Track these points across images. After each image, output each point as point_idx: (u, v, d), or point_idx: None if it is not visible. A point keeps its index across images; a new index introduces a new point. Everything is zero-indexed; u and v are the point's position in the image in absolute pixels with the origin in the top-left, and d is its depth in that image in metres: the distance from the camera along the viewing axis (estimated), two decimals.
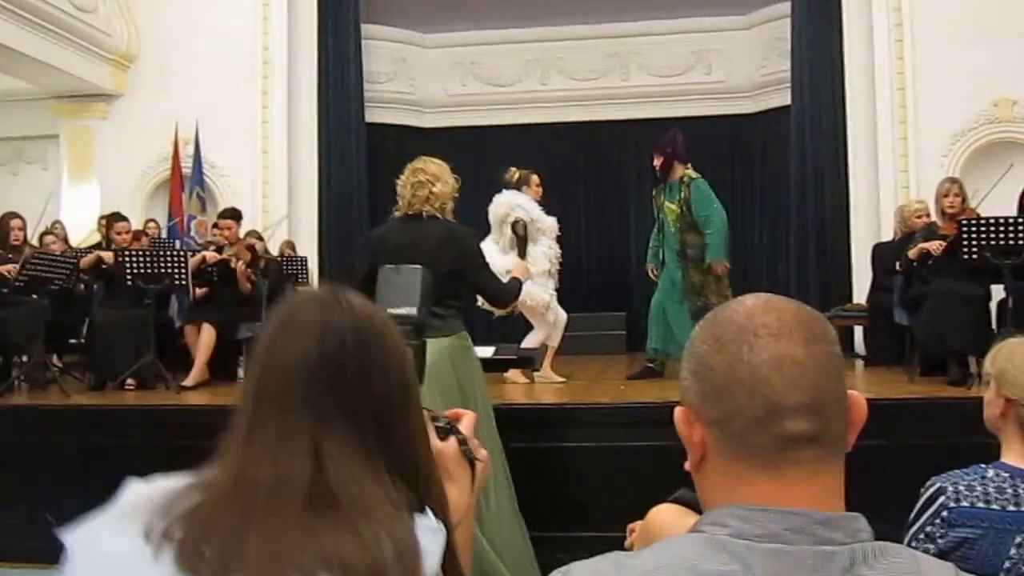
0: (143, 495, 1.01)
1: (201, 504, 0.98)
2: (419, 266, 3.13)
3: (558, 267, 6.59)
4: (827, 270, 9.00)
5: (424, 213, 3.79)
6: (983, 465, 1.98)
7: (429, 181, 3.78)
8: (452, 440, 1.28)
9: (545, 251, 6.42)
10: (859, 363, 7.63)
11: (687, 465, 0.96)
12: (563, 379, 6.38)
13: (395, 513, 1.00)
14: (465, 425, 1.32)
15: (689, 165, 6.54)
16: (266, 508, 0.97)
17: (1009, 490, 1.91)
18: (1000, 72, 8.02)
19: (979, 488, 1.92)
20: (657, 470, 4.16)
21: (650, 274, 6.74)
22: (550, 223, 6.53)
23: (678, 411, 0.94)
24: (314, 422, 1.02)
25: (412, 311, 2.85)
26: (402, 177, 3.87)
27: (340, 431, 1.03)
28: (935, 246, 5.65)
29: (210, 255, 6.68)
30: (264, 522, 0.96)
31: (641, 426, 4.63)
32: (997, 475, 1.93)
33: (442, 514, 1.09)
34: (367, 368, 1.07)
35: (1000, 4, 8.06)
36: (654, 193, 6.77)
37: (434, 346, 3.68)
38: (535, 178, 6.62)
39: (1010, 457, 1.98)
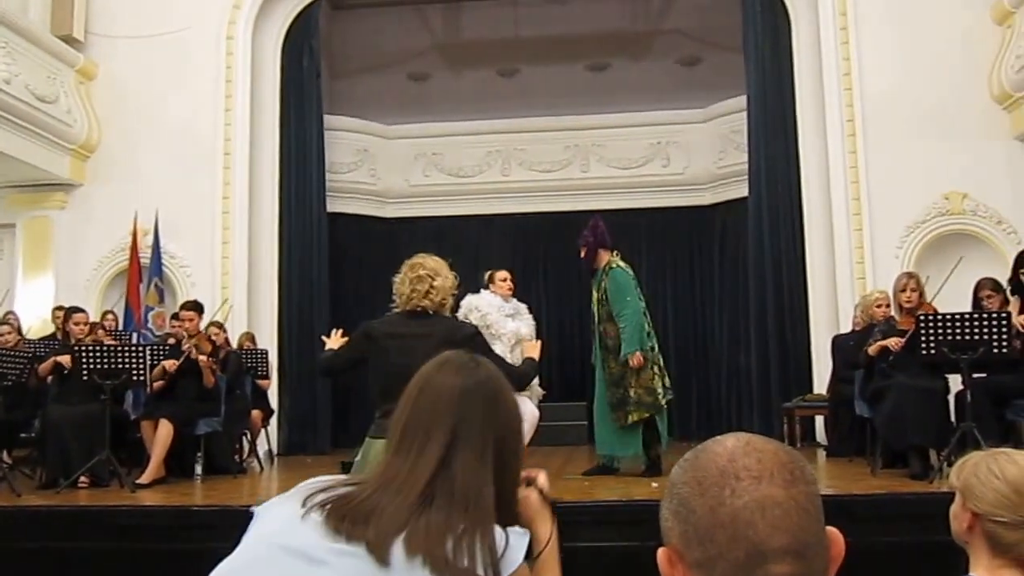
0: (310, 482, 1.40)
1: (353, 490, 1.37)
2: None
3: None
4: (787, 360, 9.06)
5: (425, 309, 3.73)
6: None
7: (429, 276, 3.74)
8: (533, 490, 1.57)
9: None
10: (821, 453, 7.64)
11: None
12: None
13: (487, 516, 1.35)
14: (542, 481, 1.60)
15: (616, 252, 6.44)
16: (389, 502, 1.34)
17: None
18: (951, 166, 8.29)
19: None
20: (626, 572, 4.12)
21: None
22: (511, 329, 6.24)
23: (661, 552, 0.95)
24: (449, 439, 1.40)
25: None
26: (399, 275, 3.82)
27: (468, 449, 1.39)
28: (894, 343, 5.73)
29: (170, 364, 6.53)
30: (390, 504, 1.33)
31: (608, 525, 4.58)
32: None
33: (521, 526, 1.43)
34: (496, 406, 1.46)
35: (949, 101, 8.38)
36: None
37: None
38: (499, 275, 6.50)
39: (978, 571, 1.97)
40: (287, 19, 9.95)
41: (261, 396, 8.22)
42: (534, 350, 4.25)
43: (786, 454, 0.94)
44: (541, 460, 7.05)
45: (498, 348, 6.10)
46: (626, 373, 6.13)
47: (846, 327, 7.81)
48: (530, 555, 1.44)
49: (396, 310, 3.87)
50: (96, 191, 9.27)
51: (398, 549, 1.28)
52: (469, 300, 6.30)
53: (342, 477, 1.45)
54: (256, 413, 7.92)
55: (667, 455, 6.37)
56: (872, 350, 5.90)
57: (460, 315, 6.23)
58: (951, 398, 5.76)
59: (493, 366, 1.53)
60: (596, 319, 6.34)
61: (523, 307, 6.56)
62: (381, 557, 1.27)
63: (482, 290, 6.49)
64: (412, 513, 1.32)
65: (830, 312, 8.56)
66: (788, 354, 9.04)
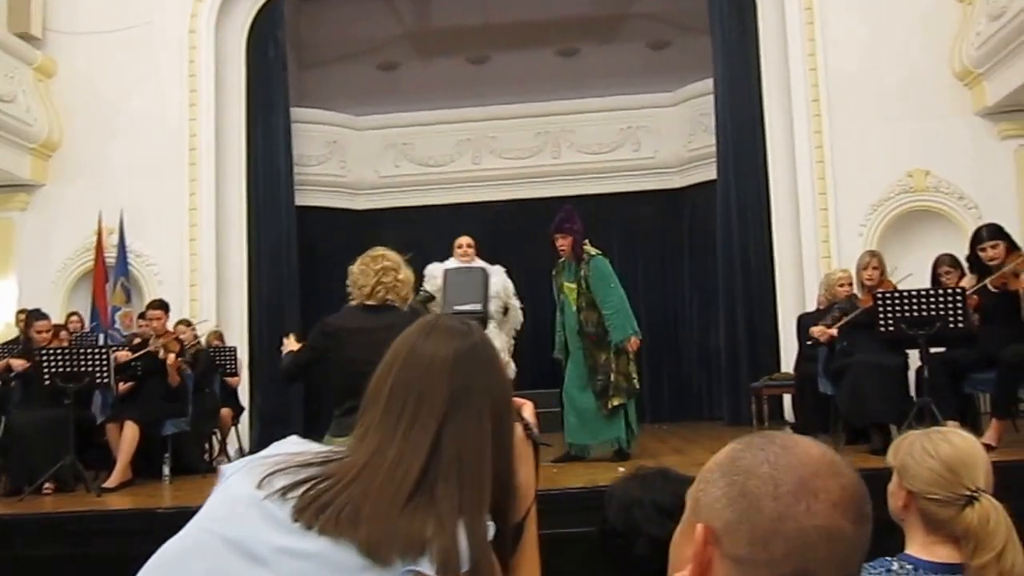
0: (277, 453, 1.25)
1: (329, 474, 1.19)
2: (481, 267, 3.09)
3: None
4: (755, 339, 9.12)
5: (389, 302, 3.70)
6: (888, 558, 1.98)
7: (393, 268, 3.72)
8: (518, 425, 1.39)
9: None
10: (788, 432, 7.66)
11: None
12: None
13: (478, 510, 1.20)
14: (527, 413, 1.44)
15: (587, 241, 6.47)
16: (382, 487, 1.17)
17: None
18: (914, 143, 8.34)
19: None
20: (587, 558, 4.10)
21: (557, 355, 6.58)
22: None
23: (701, 528, 0.90)
24: (443, 411, 1.24)
25: (478, 307, 2.86)
26: (358, 266, 3.77)
27: (466, 423, 1.24)
28: (819, 332, 5.98)
29: (123, 354, 6.47)
30: (378, 498, 1.16)
31: (572, 512, 4.57)
32: (902, 567, 1.94)
33: (516, 499, 1.32)
34: (492, 373, 1.31)
35: (913, 79, 8.42)
36: (553, 274, 6.60)
37: None
38: (457, 241, 6.61)
39: (914, 548, 1.99)
40: (251, 11, 9.85)
41: (230, 394, 8.16)
42: None
43: (863, 487, 0.91)
44: None
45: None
46: (610, 359, 6.18)
47: (812, 306, 7.85)
48: (519, 538, 1.34)
49: (353, 303, 3.82)
50: (59, 191, 9.14)
51: (399, 547, 1.12)
52: (429, 269, 6.38)
53: (309, 451, 1.26)
54: (225, 411, 7.87)
55: (637, 439, 6.42)
56: (816, 331, 6.03)
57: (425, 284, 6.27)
58: (912, 374, 5.82)
59: (482, 329, 1.40)
60: (574, 308, 6.32)
61: (489, 268, 6.53)
62: (380, 557, 1.11)
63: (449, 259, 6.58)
64: (411, 503, 1.17)
65: (797, 291, 8.61)
66: (756, 334, 9.11)
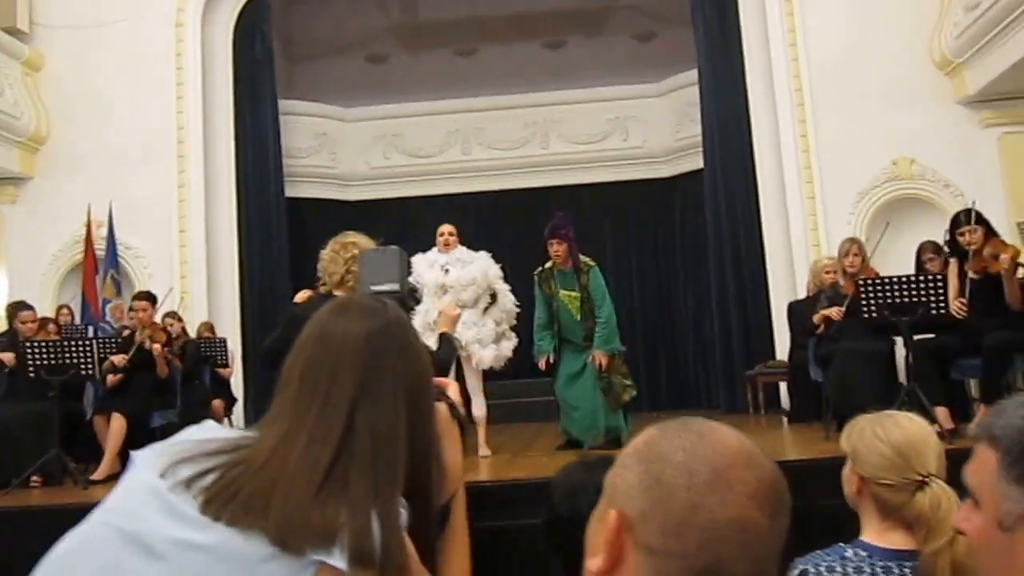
0: (185, 440, 1.20)
1: (237, 461, 1.14)
2: (397, 247, 3.04)
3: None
4: (749, 327, 9.12)
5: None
6: (842, 544, 1.98)
7: None
8: (443, 404, 1.38)
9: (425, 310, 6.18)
10: (784, 420, 7.69)
11: (593, 564, 0.89)
12: (490, 452, 6.30)
13: (391, 495, 1.16)
14: (452, 392, 1.46)
15: None
16: (293, 474, 1.13)
17: (867, 570, 1.92)
18: (898, 132, 8.36)
19: (839, 569, 1.92)
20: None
21: (541, 366, 6.49)
22: (429, 280, 6.28)
23: (615, 515, 0.87)
24: (355, 393, 1.20)
25: (396, 287, 2.81)
26: (328, 251, 3.69)
27: (378, 399, 1.20)
28: (835, 313, 5.80)
29: (119, 359, 6.48)
30: (289, 486, 1.11)
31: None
32: (856, 555, 1.94)
33: (442, 479, 1.30)
34: (407, 352, 1.27)
35: (895, 67, 8.44)
36: (538, 281, 6.47)
37: None
38: (441, 228, 6.58)
39: (868, 535, 2.00)
40: (237, 5, 9.83)
41: (222, 385, 8.17)
42: (447, 322, 3.85)
43: (780, 480, 0.89)
44: (508, 438, 7.07)
45: (425, 298, 6.15)
46: (613, 363, 6.27)
47: (803, 294, 7.87)
48: (444, 522, 1.33)
49: (322, 290, 3.75)
50: (48, 184, 9.13)
51: (311, 536, 1.08)
52: (413, 260, 6.37)
53: (220, 437, 1.22)
54: (217, 403, 7.87)
55: (631, 433, 6.48)
56: (816, 319, 5.98)
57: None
58: (901, 360, 5.83)
59: (399, 309, 1.36)
60: (578, 317, 6.31)
61: (470, 256, 6.51)
62: (290, 547, 1.08)
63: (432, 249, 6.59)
64: (323, 490, 1.13)
65: (788, 279, 8.62)
66: (750, 322, 9.11)
